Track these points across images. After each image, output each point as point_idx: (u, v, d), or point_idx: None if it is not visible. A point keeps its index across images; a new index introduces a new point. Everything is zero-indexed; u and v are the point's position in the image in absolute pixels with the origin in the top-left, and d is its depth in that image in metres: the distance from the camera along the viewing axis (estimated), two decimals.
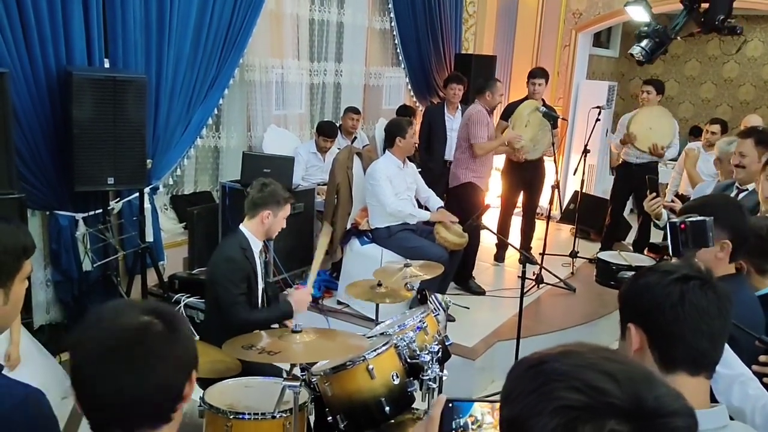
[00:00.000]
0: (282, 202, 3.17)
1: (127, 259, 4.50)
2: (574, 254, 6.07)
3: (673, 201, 3.31)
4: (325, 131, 5.66)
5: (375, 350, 2.66)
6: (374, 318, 3.68)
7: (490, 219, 5.96)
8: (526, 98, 5.88)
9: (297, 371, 2.47)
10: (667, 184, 7.76)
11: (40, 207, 4.01)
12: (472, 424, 0.92)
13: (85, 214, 4.14)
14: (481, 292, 5.28)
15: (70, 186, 3.89)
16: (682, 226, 1.91)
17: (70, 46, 3.83)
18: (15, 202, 3.41)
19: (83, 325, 1.15)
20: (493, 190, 6.47)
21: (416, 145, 4.85)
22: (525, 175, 5.84)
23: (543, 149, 5.77)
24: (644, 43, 4.69)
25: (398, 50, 7.04)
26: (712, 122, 5.84)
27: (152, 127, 4.32)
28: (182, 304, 4.55)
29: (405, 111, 6.51)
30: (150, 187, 4.44)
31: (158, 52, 4.31)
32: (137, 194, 4.34)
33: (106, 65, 4.06)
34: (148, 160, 4.16)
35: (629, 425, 0.70)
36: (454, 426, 0.92)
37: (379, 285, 3.39)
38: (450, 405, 0.92)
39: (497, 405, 0.90)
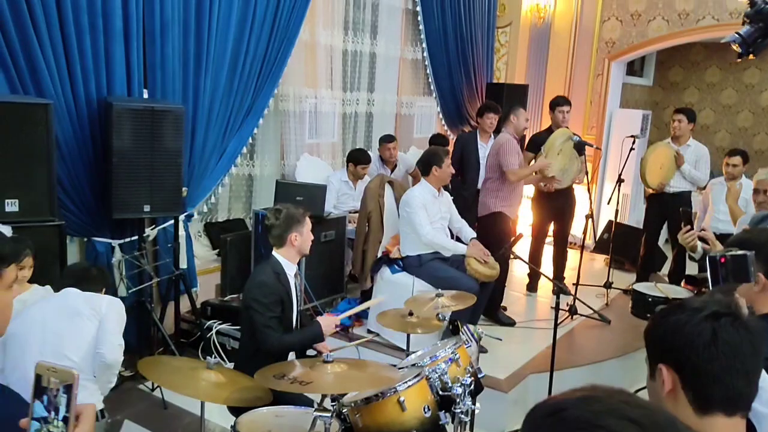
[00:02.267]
0: (301, 219, 3.18)
1: (161, 285, 4.55)
2: (608, 285, 5.97)
3: (702, 230, 3.24)
4: (359, 159, 5.69)
5: (406, 382, 2.63)
6: (405, 348, 3.65)
7: (522, 248, 5.90)
8: (549, 129, 5.87)
9: (328, 402, 2.45)
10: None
11: (79, 233, 4.10)
12: None
13: (122, 241, 4.22)
14: (511, 323, 5.21)
15: (107, 213, 3.97)
16: (722, 259, 1.87)
17: (111, 78, 3.96)
18: (55, 230, 3.50)
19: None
20: (524, 219, 6.41)
21: (452, 175, 4.81)
22: (555, 204, 5.79)
23: (572, 177, 5.72)
24: (744, 30, 3.74)
25: (430, 80, 7.09)
26: (731, 154, 5.60)
27: (188, 155, 4.40)
28: (214, 331, 4.58)
29: (439, 139, 6.52)
30: (185, 214, 4.51)
31: (195, 83, 4.41)
32: (172, 221, 4.40)
33: (145, 96, 4.17)
34: (184, 188, 4.23)
35: None
36: None
37: (411, 314, 3.37)
38: None
39: None
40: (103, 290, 3.09)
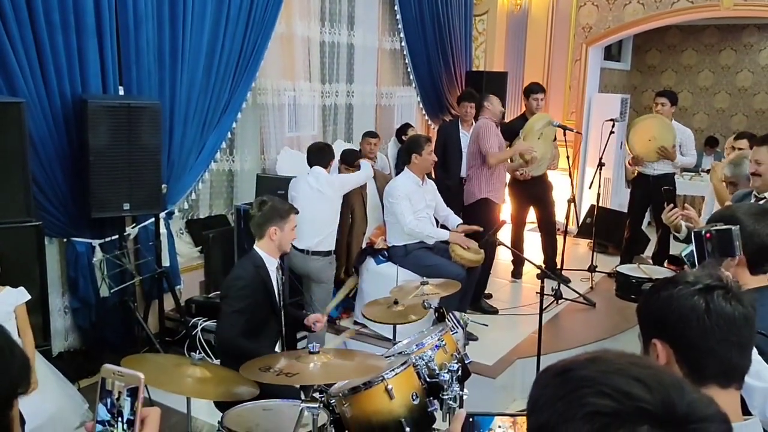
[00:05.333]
0: (285, 215, 3.15)
1: (144, 284, 4.51)
2: (592, 269, 6.00)
3: (685, 208, 3.23)
4: (349, 160, 5.33)
5: (393, 370, 2.62)
6: (392, 338, 3.65)
7: (504, 236, 5.90)
8: (522, 115, 5.88)
9: (315, 393, 2.44)
10: (684, 196, 7.65)
11: (58, 234, 4.04)
12: None
13: (102, 241, 4.16)
14: (494, 312, 5.22)
15: (86, 213, 3.91)
16: (707, 235, 1.87)
17: (85, 75, 3.89)
18: (33, 230, 3.44)
19: None
20: (505, 207, 6.42)
21: (434, 162, 4.80)
22: (531, 191, 5.79)
23: (547, 164, 5.73)
24: None
25: (409, 69, 7.06)
26: (738, 137, 5.20)
27: (167, 152, 4.35)
28: (199, 328, 4.55)
29: (405, 128, 6.46)
30: (165, 211, 4.46)
31: (171, 78, 4.35)
32: (153, 219, 4.36)
33: (121, 92, 4.11)
34: (163, 185, 4.18)
35: (662, 431, 0.68)
36: None
37: (396, 303, 3.36)
38: (470, 420, 0.90)
39: (518, 419, 0.88)
40: (330, 161, 4.53)
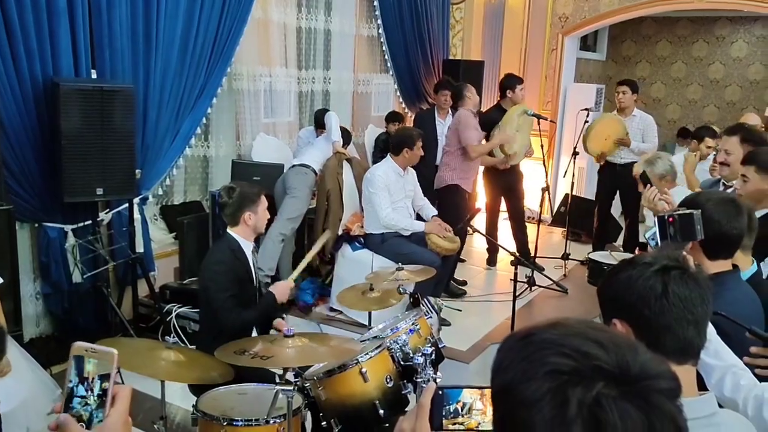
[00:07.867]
0: (256, 198, 3.13)
1: (118, 270, 4.47)
2: (565, 256, 6.08)
3: (664, 192, 3.28)
4: (322, 123, 5.47)
5: (368, 353, 2.66)
6: (367, 324, 3.68)
7: (478, 224, 5.96)
8: (498, 106, 5.92)
9: (290, 376, 2.46)
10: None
11: (29, 219, 3.98)
12: (461, 409, 0.92)
13: (75, 226, 4.11)
14: (462, 293, 5.29)
15: (58, 197, 3.86)
16: (670, 219, 1.92)
17: (57, 58, 3.82)
18: (3, 214, 3.39)
19: None
20: (481, 195, 6.48)
21: (422, 156, 4.80)
22: (503, 181, 5.86)
23: (524, 153, 5.80)
24: None
25: (386, 57, 7.05)
26: (698, 137, 5.52)
27: (141, 137, 4.30)
28: (174, 314, 4.53)
29: (395, 117, 6.50)
30: (139, 197, 4.42)
31: (145, 62, 4.30)
32: (127, 205, 4.32)
33: (94, 76, 4.05)
34: (137, 170, 4.14)
35: (617, 389, 0.72)
36: (444, 412, 0.92)
37: (371, 289, 3.38)
38: (440, 392, 0.93)
39: (485, 391, 0.91)
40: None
